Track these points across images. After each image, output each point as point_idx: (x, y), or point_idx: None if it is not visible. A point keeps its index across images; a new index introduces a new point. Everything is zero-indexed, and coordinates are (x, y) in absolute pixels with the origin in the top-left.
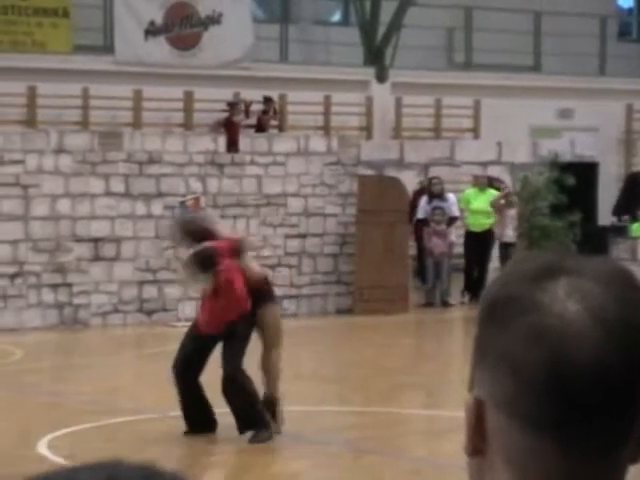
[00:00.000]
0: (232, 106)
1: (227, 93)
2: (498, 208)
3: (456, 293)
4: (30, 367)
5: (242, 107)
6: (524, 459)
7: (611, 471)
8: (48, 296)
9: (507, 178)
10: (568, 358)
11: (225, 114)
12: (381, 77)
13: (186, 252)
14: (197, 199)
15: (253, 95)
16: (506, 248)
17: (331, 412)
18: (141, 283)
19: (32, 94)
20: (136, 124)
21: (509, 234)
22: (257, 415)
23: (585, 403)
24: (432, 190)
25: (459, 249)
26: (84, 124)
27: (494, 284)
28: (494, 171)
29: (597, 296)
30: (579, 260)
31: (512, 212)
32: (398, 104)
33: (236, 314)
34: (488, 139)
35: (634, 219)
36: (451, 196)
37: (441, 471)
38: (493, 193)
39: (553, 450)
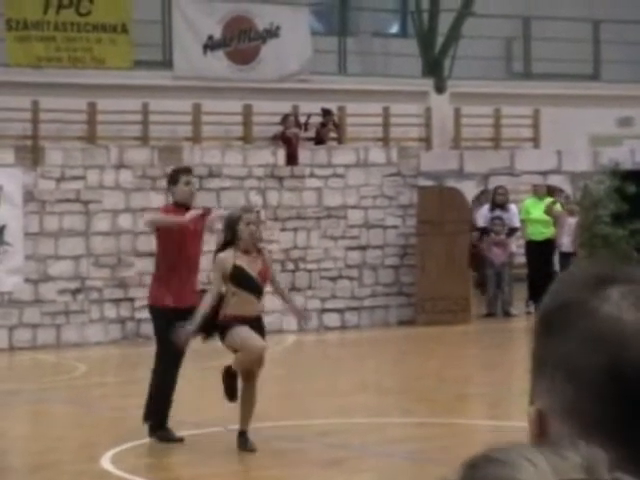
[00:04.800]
0: (284, 120)
1: (286, 106)
2: (555, 215)
3: (518, 303)
4: (93, 382)
5: (294, 120)
6: None
7: None
8: (110, 311)
9: (568, 187)
10: (628, 359)
11: (281, 128)
12: (440, 88)
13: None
14: (257, 212)
15: (312, 108)
16: (564, 257)
17: (395, 424)
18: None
19: (92, 110)
20: (196, 138)
21: (566, 243)
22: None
23: None
24: (496, 200)
25: (520, 259)
26: (144, 139)
27: (547, 295)
28: (554, 180)
29: None
30: (631, 269)
31: (570, 221)
32: (457, 114)
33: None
34: (548, 148)
35: None
36: (513, 207)
37: None
38: (549, 202)
39: (617, 454)
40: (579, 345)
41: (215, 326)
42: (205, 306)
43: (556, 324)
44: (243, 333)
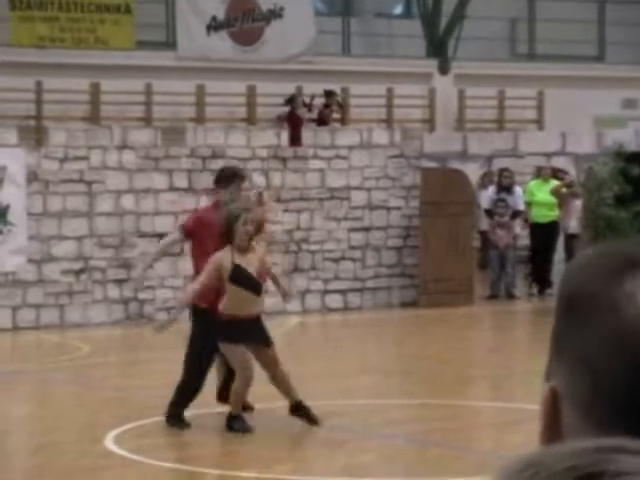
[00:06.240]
0: (292, 100)
1: (289, 87)
2: (561, 197)
3: (521, 285)
4: (96, 362)
5: (302, 101)
6: None
7: None
8: (113, 291)
9: (571, 169)
10: None
11: (287, 108)
12: (444, 69)
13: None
14: (260, 194)
15: (315, 89)
16: (570, 239)
17: (397, 405)
18: None
19: (95, 90)
20: (199, 119)
21: (573, 225)
22: None
23: None
24: (502, 182)
25: (524, 241)
26: (147, 120)
27: (572, 277)
28: (558, 162)
29: None
30: None
31: (577, 203)
32: (461, 96)
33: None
34: (552, 130)
35: None
36: (518, 189)
37: None
38: (556, 184)
39: None
40: (601, 346)
41: (210, 319)
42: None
43: (579, 314)
44: (240, 357)
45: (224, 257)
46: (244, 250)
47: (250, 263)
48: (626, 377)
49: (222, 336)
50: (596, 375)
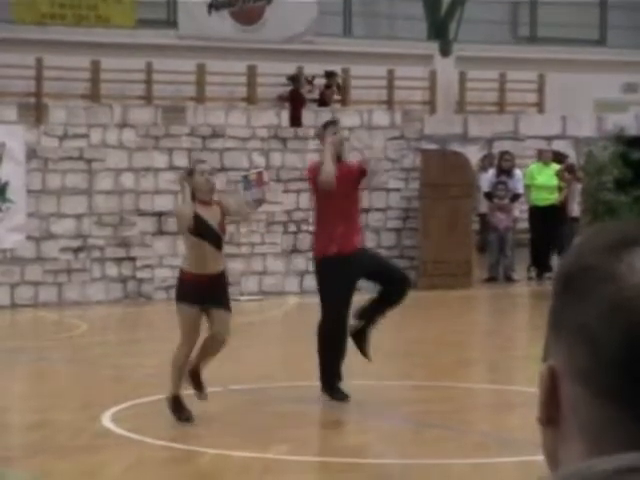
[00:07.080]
0: (295, 79)
1: (290, 67)
2: (565, 180)
3: (520, 268)
4: (94, 340)
5: (305, 79)
6: (600, 431)
7: None
8: (112, 270)
9: (572, 152)
10: None
11: (289, 88)
12: (445, 51)
13: None
14: (260, 173)
15: (316, 69)
16: (573, 223)
17: (394, 386)
18: None
19: (96, 68)
20: (199, 98)
21: (574, 208)
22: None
23: None
24: (502, 165)
25: (523, 224)
26: (148, 98)
27: (570, 255)
28: (558, 145)
29: None
30: None
31: (578, 186)
32: (462, 78)
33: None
34: (553, 113)
35: None
36: (518, 172)
37: (505, 445)
38: (557, 168)
39: (631, 423)
40: (599, 314)
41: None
42: None
43: (577, 287)
44: (190, 322)
45: (185, 209)
46: (206, 203)
47: (211, 216)
48: (626, 346)
49: (180, 294)
50: (596, 345)
